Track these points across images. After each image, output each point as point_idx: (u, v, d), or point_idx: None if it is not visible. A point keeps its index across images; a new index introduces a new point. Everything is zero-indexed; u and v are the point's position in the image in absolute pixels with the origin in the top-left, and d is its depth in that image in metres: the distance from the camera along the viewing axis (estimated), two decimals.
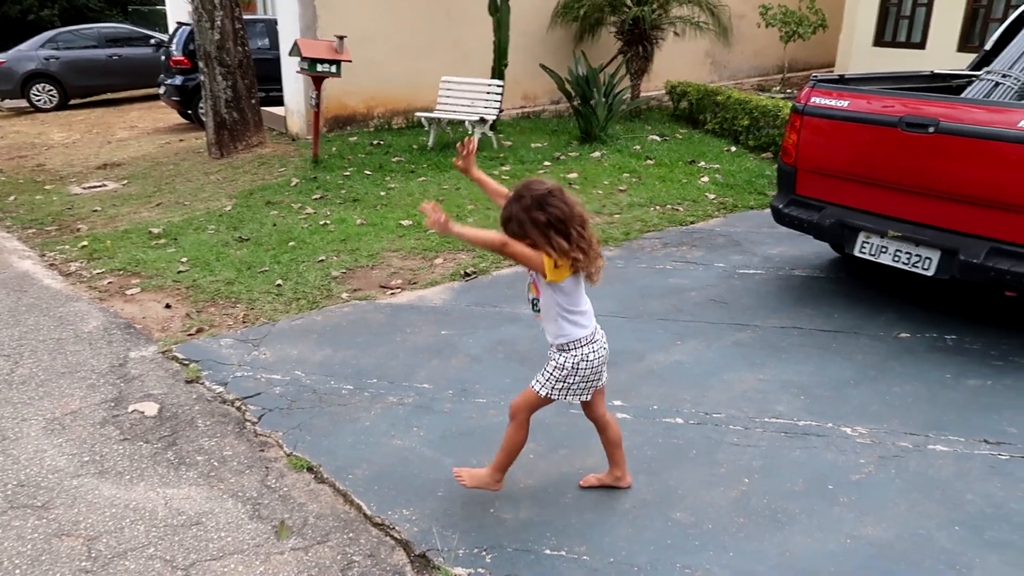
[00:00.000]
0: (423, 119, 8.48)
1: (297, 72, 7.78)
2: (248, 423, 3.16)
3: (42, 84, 14.52)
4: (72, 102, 14.89)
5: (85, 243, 5.72)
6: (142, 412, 3.23)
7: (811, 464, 2.83)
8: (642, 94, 10.84)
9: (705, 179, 7.09)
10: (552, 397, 2.48)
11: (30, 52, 14.58)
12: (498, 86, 8.44)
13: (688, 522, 2.51)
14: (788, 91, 11.59)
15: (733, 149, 8.35)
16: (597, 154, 8.07)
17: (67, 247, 5.70)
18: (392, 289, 4.65)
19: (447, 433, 3.07)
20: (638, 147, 8.36)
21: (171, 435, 3.06)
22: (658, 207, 6.27)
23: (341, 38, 7.35)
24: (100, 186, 8.00)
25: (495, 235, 2.34)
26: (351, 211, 6.25)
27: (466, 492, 2.63)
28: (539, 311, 2.47)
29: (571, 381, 2.45)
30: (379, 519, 2.54)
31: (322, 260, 5.11)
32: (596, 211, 6.12)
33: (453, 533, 2.45)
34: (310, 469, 2.83)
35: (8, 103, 14.92)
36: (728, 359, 3.69)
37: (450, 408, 3.26)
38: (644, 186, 6.89)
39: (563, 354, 2.45)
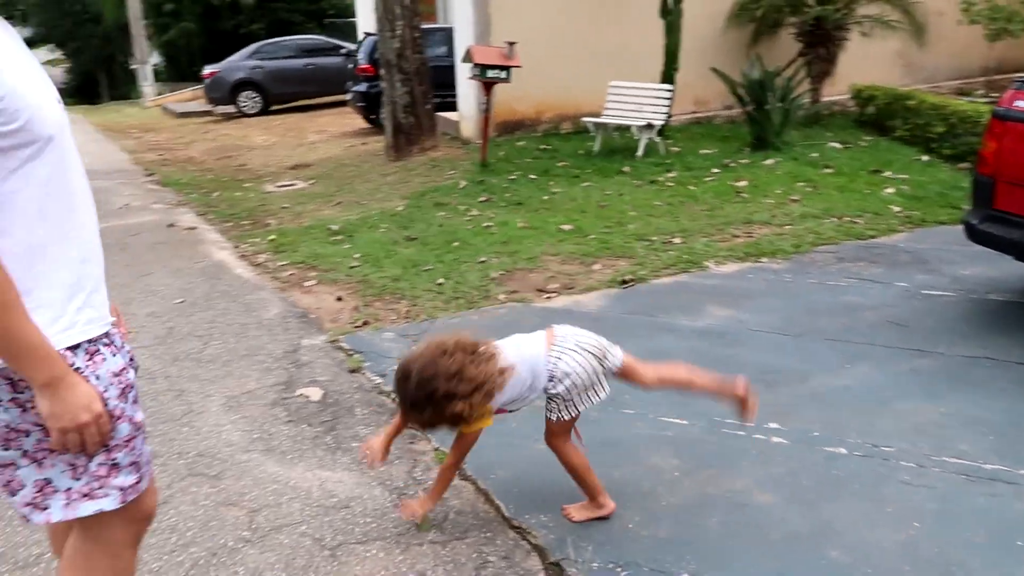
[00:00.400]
0: (589, 124, 8.48)
1: (468, 78, 8.03)
2: None
3: (248, 91, 16.01)
4: (272, 108, 16.30)
5: (273, 237, 6.22)
6: (308, 397, 3.45)
7: (997, 514, 2.52)
8: (823, 99, 10.21)
9: (890, 190, 6.56)
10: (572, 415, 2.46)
11: (239, 63, 16.12)
12: (667, 91, 8.28)
13: (844, 562, 2.31)
14: (993, 95, 10.47)
15: (925, 158, 7.67)
16: (770, 161, 7.70)
17: (257, 240, 6.22)
18: (548, 293, 4.68)
19: (591, 441, 3.01)
20: (816, 155, 7.88)
21: (331, 420, 3.25)
22: (834, 219, 5.87)
23: (512, 44, 7.51)
24: (290, 185, 8.68)
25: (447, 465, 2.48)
26: (514, 214, 6.36)
27: None
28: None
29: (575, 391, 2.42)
30: (516, 522, 2.55)
31: (483, 261, 5.24)
32: (765, 221, 5.83)
33: (588, 545, 2.41)
34: None
35: (220, 109, 16.59)
36: (904, 387, 3.37)
37: (596, 416, 3.21)
38: (820, 196, 6.48)
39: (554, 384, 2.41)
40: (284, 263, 5.52)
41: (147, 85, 22.73)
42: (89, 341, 1.41)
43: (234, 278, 5.21)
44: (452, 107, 10.44)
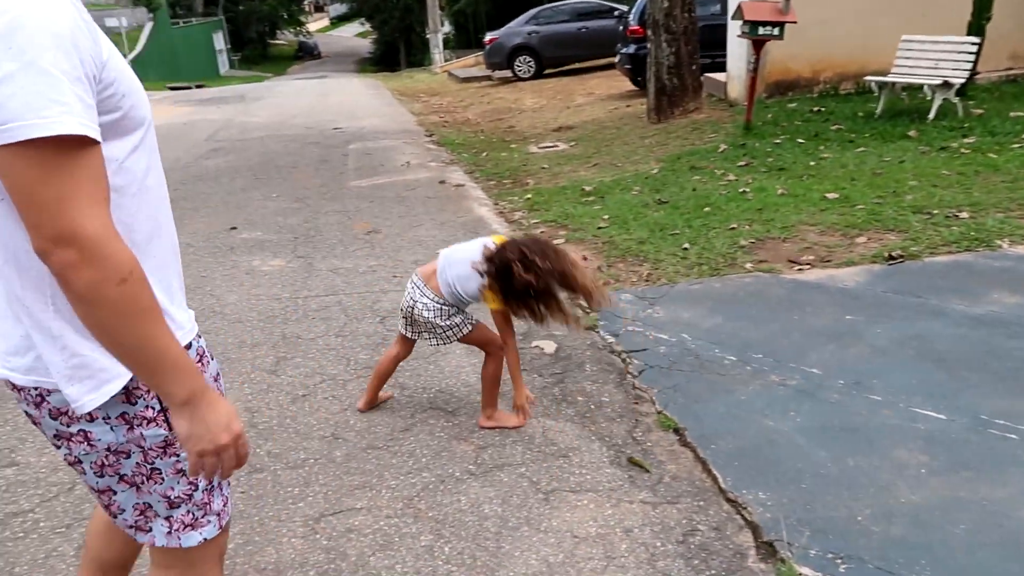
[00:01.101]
0: (872, 83, 7.67)
1: (737, 36, 7.64)
2: (629, 375, 3.31)
3: (524, 56, 16.67)
4: (546, 71, 16.83)
5: (529, 196, 6.50)
6: (542, 349, 3.60)
7: None
8: None
9: None
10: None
11: (517, 28, 16.81)
12: (972, 44, 7.20)
13: None
14: None
15: None
16: None
17: (515, 198, 6.54)
18: (801, 264, 4.38)
19: (827, 424, 2.82)
20: None
21: (561, 373, 3.36)
22: None
23: None
24: (552, 147, 8.96)
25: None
26: (774, 180, 6.00)
27: (832, 491, 2.41)
28: None
29: None
30: (732, 495, 2.47)
31: (733, 228, 5.03)
32: None
33: (806, 529, 2.27)
34: (676, 430, 2.87)
35: (498, 73, 17.49)
36: None
37: (837, 399, 2.99)
38: None
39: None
40: (537, 221, 5.74)
41: (437, 52, 24.59)
42: (198, 337, 1.33)
43: (490, 233, 5.53)
44: (720, 67, 10.03)
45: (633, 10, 12.04)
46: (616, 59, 12.72)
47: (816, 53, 8.71)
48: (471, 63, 22.49)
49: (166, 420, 1.25)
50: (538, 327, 2.94)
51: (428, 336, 2.89)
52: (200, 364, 1.30)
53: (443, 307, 2.79)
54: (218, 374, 1.40)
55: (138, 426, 1.24)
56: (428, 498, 2.53)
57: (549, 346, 3.63)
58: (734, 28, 8.27)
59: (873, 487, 2.44)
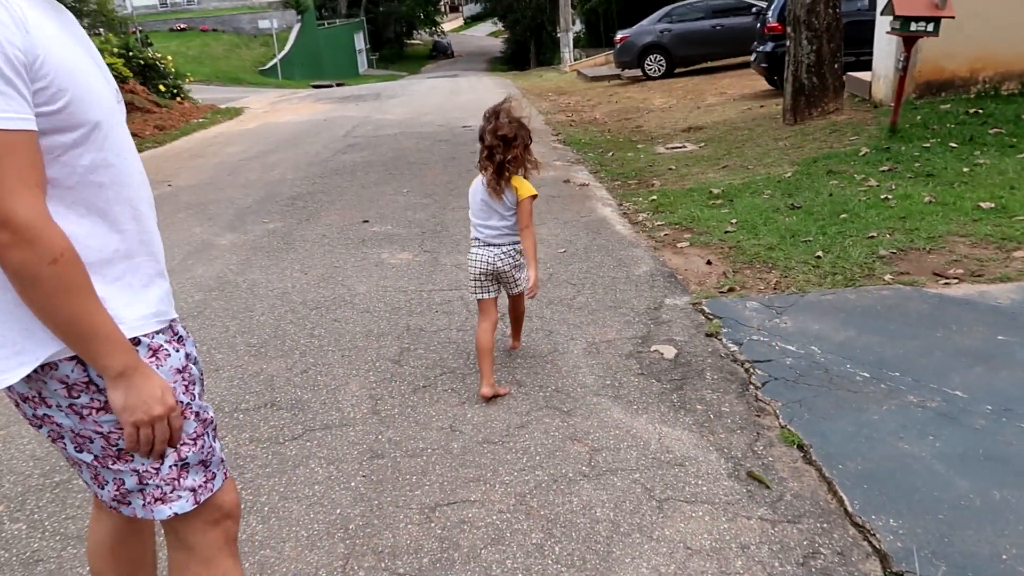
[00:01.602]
0: None
1: (887, 32, 7.20)
2: (752, 386, 3.20)
3: (654, 55, 16.40)
4: (676, 71, 16.49)
5: (654, 197, 6.39)
6: (661, 354, 3.54)
7: None
8: None
9: None
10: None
11: (649, 27, 16.56)
12: None
13: None
14: None
15: None
16: None
17: (640, 199, 6.45)
18: (947, 278, 4.08)
19: (970, 452, 2.62)
20: None
21: (680, 380, 3.30)
22: None
23: None
24: (680, 147, 8.77)
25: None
26: (920, 187, 5.62)
27: (974, 525, 2.24)
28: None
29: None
30: (860, 520, 2.34)
31: (872, 237, 4.75)
32: None
33: (942, 564, 2.12)
34: (800, 447, 2.75)
35: (627, 72, 17.30)
36: None
37: (983, 425, 2.77)
38: None
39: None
40: (661, 223, 5.65)
41: (567, 51, 24.63)
42: (149, 335, 1.36)
43: (613, 234, 5.49)
44: (865, 67, 9.49)
45: (772, 6, 11.59)
46: (752, 58, 12.29)
47: (974, 50, 8.07)
48: (601, 62, 22.38)
49: None
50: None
51: (511, 283, 3.30)
52: (155, 358, 1.35)
53: (512, 247, 3.24)
54: (193, 380, 1.44)
55: (88, 415, 1.31)
56: (540, 496, 2.54)
57: (668, 351, 3.57)
58: (883, 24, 7.80)
59: (1022, 524, 2.25)
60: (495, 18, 52.18)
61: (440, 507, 2.51)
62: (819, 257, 4.54)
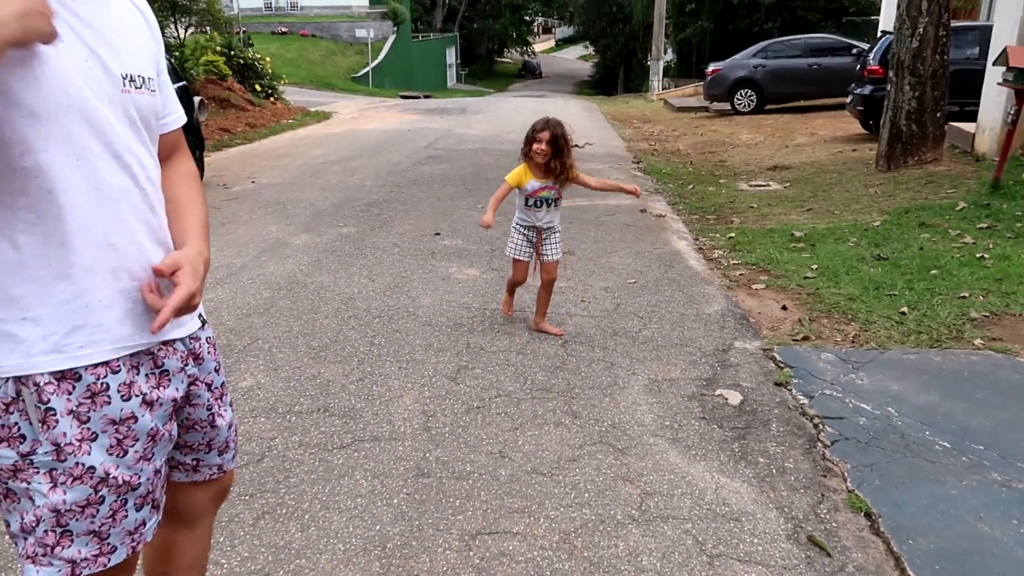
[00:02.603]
0: None
1: (999, 84, 6.85)
2: (820, 444, 3.02)
3: (745, 89, 16.10)
4: (767, 107, 16.15)
5: (732, 235, 6.21)
6: (726, 399, 3.40)
7: None
8: None
9: None
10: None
11: (742, 61, 16.28)
12: None
13: None
14: None
15: None
16: None
17: (717, 235, 6.28)
18: None
19: None
20: None
21: (743, 428, 3.14)
22: None
23: None
24: (764, 186, 8.54)
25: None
26: (1021, 248, 5.29)
27: None
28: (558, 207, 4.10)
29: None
30: None
31: (964, 297, 4.48)
32: None
33: None
34: (868, 515, 2.57)
35: (716, 105, 17.04)
36: None
37: None
38: None
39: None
40: (737, 262, 5.47)
41: (656, 80, 24.47)
42: (89, 369, 1.20)
43: (686, 268, 5.35)
44: (969, 117, 9.07)
45: (875, 48, 11.23)
46: (848, 99, 11.91)
47: None
48: (689, 92, 22.14)
49: (10, 440, 1.17)
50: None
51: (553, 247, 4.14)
52: (92, 401, 1.20)
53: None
54: (132, 437, 1.26)
55: None
56: (586, 537, 2.44)
57: (734, 397, 3.42)
58: (993, 74, 7.44)
59: None
60: (587, 42, 52.38)
61: (481, 535, 2.44)
62: (903, 313, 4.30)
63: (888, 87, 8.11)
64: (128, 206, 1.23)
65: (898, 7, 8.07)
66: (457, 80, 45.73)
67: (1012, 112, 6.49)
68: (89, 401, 1.20)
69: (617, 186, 4.38)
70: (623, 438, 3.05)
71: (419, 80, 35.77)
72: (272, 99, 16.51)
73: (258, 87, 16.28)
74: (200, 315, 1.46)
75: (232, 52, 16.01)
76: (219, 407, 1.50)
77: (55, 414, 1.17)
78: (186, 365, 1.38)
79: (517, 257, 4.09)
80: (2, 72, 1.04)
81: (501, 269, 5.29)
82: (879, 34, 13.11)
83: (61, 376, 1.17)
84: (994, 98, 8.07)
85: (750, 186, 8.57)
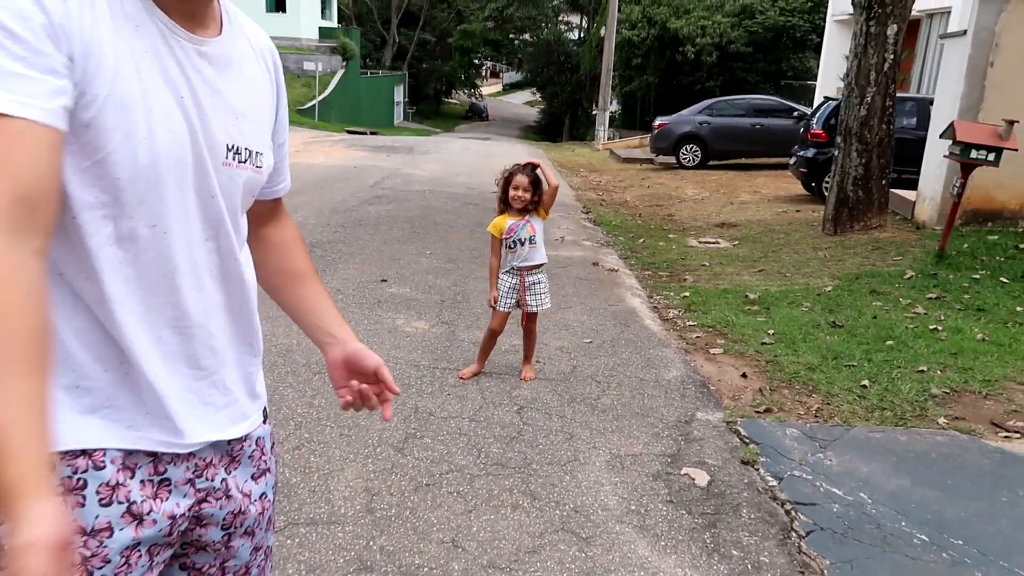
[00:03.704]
0: None
1: (944, 156, 7.01)
2: (794, 533, 2.83)
3: (691, 144, 16.39)
4: (711, 163, 16.44)
5: (687, 294, 6.10)
6: (692, 479, 3.18)
7: None
8: None
9: None
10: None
11: (688, 117, 16.59)
12: None
13: None
14: None
15: None
16: None
17: (671, 294, 6.16)
18: (1008, 431, 3.73)
19: None
20: None
21: (713, 514, 2.93)
22: None
23: (1011, 123, 6.34)
24: (713, 243, 8.53)
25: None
26: (972, 321, 5.30)
27: None
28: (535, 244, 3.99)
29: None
30: None
31: (922, 371, 4.42)
32: None
33: None
34: None
35: (661, 159, 17.28)
36: None
37: None
38: None
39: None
40: (693, 324, 5.34)
41: (601, 129, 24.80)
42: (76, 460, 0.96)
43: (642, 328, 5.18)
44: (906, 184, 9.31)
45: (818, 114, 11.52)
46: (791, 160, 12.17)
47: None
48: (635, 144, 22.47)
49: None
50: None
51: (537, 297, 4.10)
52: (70, 495, 0.95)
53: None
54: (101, 557, 0.97)
55: None
56: None
57: (701, 477, 3.21)
58: (937, 147, 7.63)
59: None
60: (534, 88, 53.15)
61: None
62: (865, 386, 4.20)
63: (836, 153, 8.25)
64: (209, 281, 1.07)
65: (847, 76, 8.26)
66: (404, 118, 45.63)
67: (957, 185, 6.62)
68: (68, 493, 0.95)
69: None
70: (587, 524, 2.79)
71: (366, 116, 35.51)
72: None
73: None
74: (264, 408, 1.24)
75: None
76: (240, 526, 1.17)
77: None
78: (197, 477, 1.09)
79: (498, 308, 4.03)
80: (104, 138, 0.91)
81: (451, 322, 5.03)
82: (820, 99, 13.54)
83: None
84: (934, 169, 8.27)
85: (700, 243, 8.55)
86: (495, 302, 4.00)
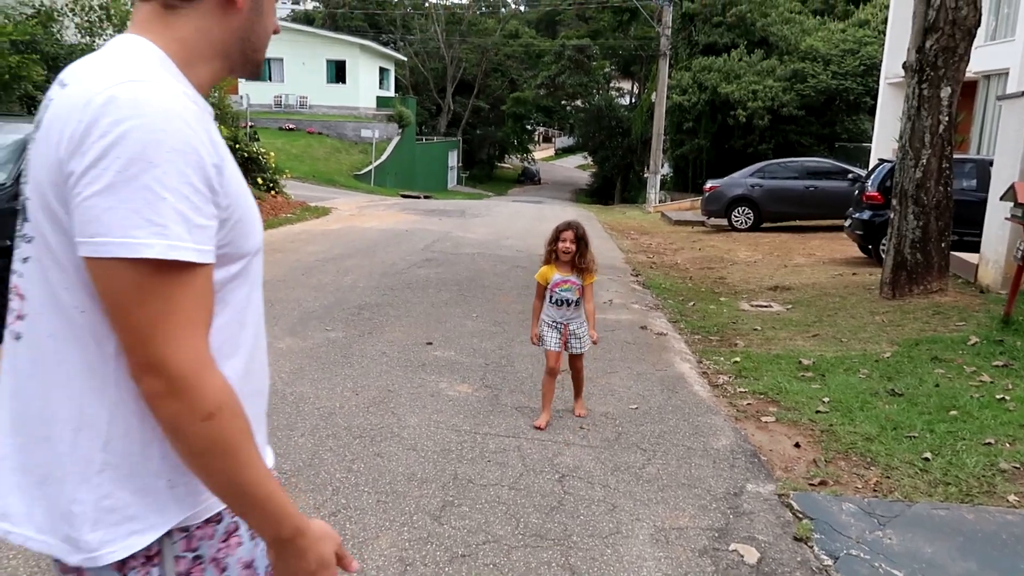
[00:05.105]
0: None
1: (1006, 219, 6.79)
2: None
3: (743, 207, 16.27)
4: (763, 225, 16.26)
5: (737, 359, 5.95)
6: (741, 556, 3.03)
7: None
8: None
9: None
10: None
11: (740, 180, 16.52)
12: None
13: None
14: None
15: None
16: None
17: (722, 359, 6.01)
18: None
19: None
20: None
21: None
22: None
23: None
24: (766, 307, 8.35)
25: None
26: None
27: None
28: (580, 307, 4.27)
29: None
30: None
31: (989, 443, 4.18)
32: None
33: None
34: None
35: (712, 221, 17.17)
36: None
37: None
38: None
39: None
40: (744, 390, 5.18)
41: (653, 192, 24.86)
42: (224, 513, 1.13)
43: (690, 395, 5.05)
44: (968, 247, 9.01)
45: (872, 176, 11.34)
46: (846, 223, 11.93)
47: None
48: (686, 206, 22.41)
49: None
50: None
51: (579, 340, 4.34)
52: (226, 544, 1.11)
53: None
54: (252, 562, 1.15)
55: None
56: None
57: (751, 554, 3.05)
58: (998, 209, 7.40)
59: None
60: (585, 152, 53.81)
61: None
62: (927, 459, 3.98)
63: (892, 215, 8.06)
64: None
65: (900, 138, 8.13)
66: (457, 182, 46.58)
67: (1021, 248, 6.37)
68: (225, 541, 1.13)
69: (592, 321, 4.40)
70: None
71: (420, 180, 36.36)
72: (273, 192, 16.54)
73: (260, 180, 16.33)
74: None
75: (237, 145, 16.15)
76: None
77: (201, 562, 1.10)
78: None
79: (548, 348, 4.32)
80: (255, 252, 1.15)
81: (495, 386, 4.98)
82: (875, 161, 13.33)
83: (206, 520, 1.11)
84: (996, 231, 8.01)
85: (752, 306, 8.38)
86: (538, 339, 4.28)
